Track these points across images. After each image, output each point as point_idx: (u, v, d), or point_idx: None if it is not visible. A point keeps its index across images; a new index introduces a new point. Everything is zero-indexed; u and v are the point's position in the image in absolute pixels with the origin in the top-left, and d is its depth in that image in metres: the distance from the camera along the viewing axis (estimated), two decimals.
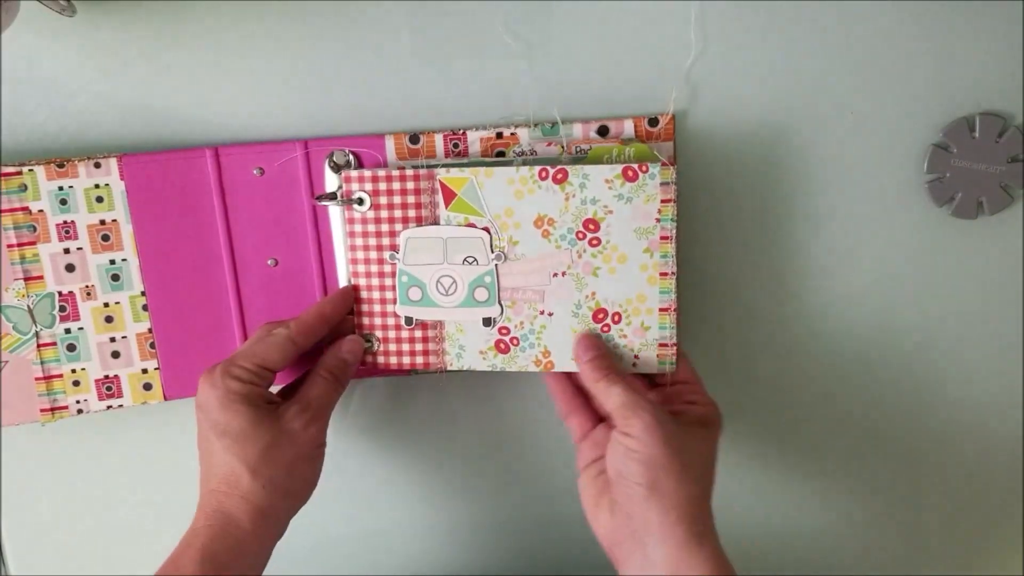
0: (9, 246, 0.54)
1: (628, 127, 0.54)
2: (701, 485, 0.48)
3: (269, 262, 0.56)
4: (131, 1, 0.53)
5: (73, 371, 0.56)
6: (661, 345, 0.53)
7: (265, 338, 0.51)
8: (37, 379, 0.56)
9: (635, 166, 0.50)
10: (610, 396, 0.49)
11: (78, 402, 0.56)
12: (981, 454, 0.62)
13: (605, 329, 0.53)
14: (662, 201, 0.50)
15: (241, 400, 0.49)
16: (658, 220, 0.51)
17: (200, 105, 0.54)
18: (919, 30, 0.54)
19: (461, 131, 0.54)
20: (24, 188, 0.53)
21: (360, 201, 0.53)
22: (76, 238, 0.54)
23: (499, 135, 0.54)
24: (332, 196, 0.54)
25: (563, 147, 0.54)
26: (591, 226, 0.52)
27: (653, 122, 0.54)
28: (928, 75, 0.54)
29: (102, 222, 0.54)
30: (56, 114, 0.54)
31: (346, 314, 0.55)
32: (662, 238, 0.51)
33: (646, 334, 0.52)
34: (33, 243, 0.54)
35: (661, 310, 0.52)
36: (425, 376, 0.59)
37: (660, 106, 0.54)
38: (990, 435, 0.61)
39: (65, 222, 0.54)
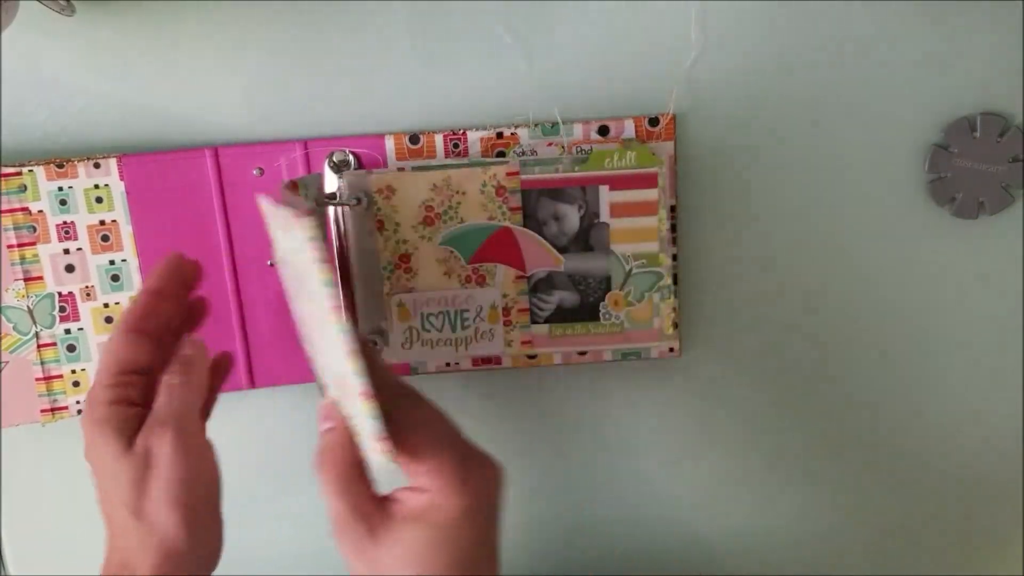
0: (9, 247, 0.54)
1: (628, 127, 0.54)
2: None
3: (269, 262, 0.56)
4: (131, 1, 0.53)
5: (73, 371, 0.56)
6: (376, 438, 0.39)
7: (105, 344, 0.46)
8: (37, 379, 0.56)
9: (292, 212, 0.39)
10: (322, 489, 0.41)
11: (78, 402, 0.56)
12: (981, 454, 0.62)
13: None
14: (316, 260, 0.38)
15: (99, 428, 0.44)
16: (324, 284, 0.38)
17: (200, 105, 0.54)
18: (919, 30, 0.54)
19: (461, 131, 0.54)
20: (24, 188, 0.53)
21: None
22: (76, 239, 0.54)
23: (499, 135, 0.54)
24: (332, 197, 0.54)
25: (563, 147, 0.54)
26: (300, 278, 0.44)
27: (654, 122, 0.54)
28: (928, 75, 0.54)
29: (102, 222, 0.54)
30: (56, 114, 0.54)
31: (183, 285, 0.48)
32: (332, 308, 0.38)
33: (364, 421, 0.40)
34: (33, 244, 0.54)
35: (360, 394, 0.39)
36: (423, 378, 0.59)
37: (661, 106, 0.54)
38: (990, 435, 0.61)
39: (65, 222, 0.54)
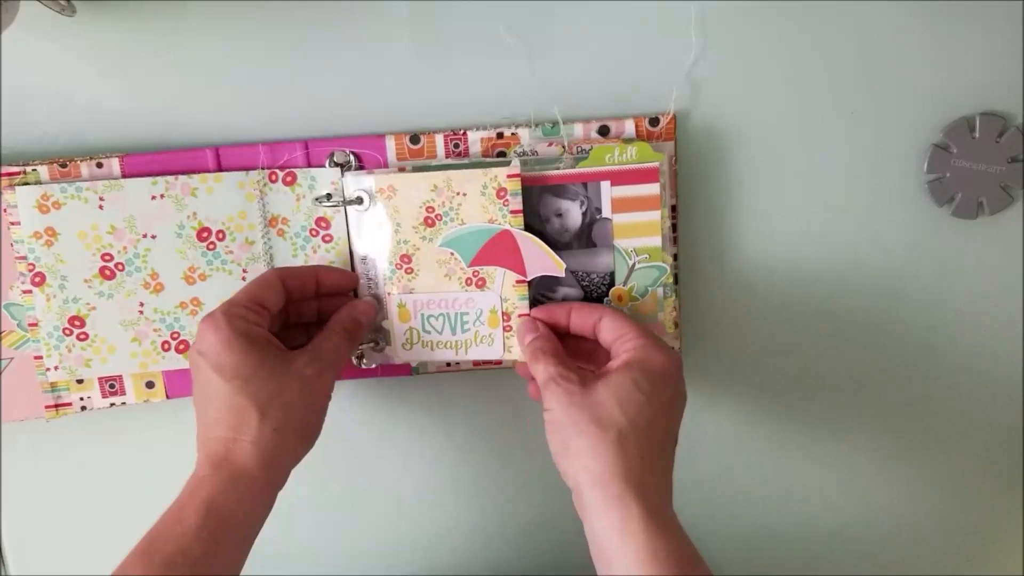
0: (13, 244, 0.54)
1: (629, 127, 0.54)
2: (624, 426, 0.45)
3: None
4: (131, 1, 0.53)
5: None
6: None
7: (256, 279, 0.51)
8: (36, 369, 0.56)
9: None
10: (537, 375, 0.50)
11: (82, 399, 0.56)
12: (981, 454, 0.62)
13: None
14: None
15: (249, 340, 0.47)
16: None
17: (200, 105, 0.54)
18: (919, 30, 0.53)
19: (462, 131, 0.54)
20: None
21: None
22: None
23: (500, 135, 0.54)
24: (329, 196, 0.54)
25: (564, 147, 0.54)
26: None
27: (654, 122, 0.54)
28: (928, 75, 0.54)
29: None
30: (56, 114, 0.54)
31: (343, 291, 0.55)
32: None
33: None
34: None
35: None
36: (424, 378, 0.59)
37: (661, 105, 0.54)
38: (990, 435, 0.62)
39: None
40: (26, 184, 0.53)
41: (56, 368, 0.55)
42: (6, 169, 0.53)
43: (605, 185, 0.53)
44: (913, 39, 0.54)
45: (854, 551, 0.64)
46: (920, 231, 0.57)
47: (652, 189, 0.53)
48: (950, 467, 0.62)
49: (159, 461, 0.60)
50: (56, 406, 0.56)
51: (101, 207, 0.53)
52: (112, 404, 0.57)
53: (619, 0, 0.53)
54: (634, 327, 0.50)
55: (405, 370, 0.58)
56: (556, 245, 0.54)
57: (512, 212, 0.53)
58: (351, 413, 0.60)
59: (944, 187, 0.56)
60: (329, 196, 0.54)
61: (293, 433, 0.48)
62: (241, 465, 0.47)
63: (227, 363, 0.47)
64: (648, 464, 0.46)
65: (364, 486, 0.62)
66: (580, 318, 0.53)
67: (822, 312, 0.59)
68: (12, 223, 0.53)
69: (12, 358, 0.56)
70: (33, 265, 0.54)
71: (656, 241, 0.54)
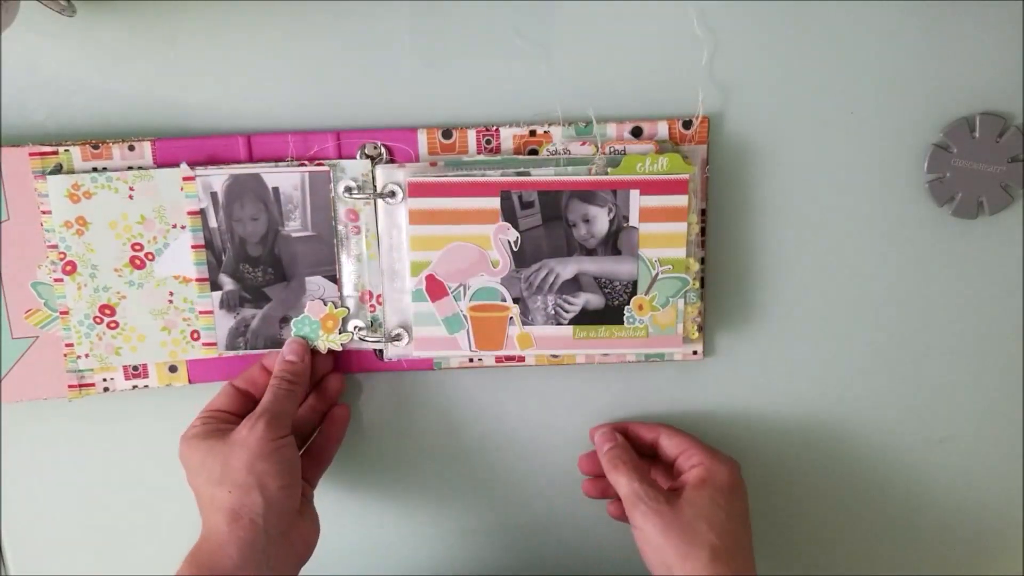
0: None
1: (662, 128, 0.53)
2: (716, 544, 0.50)
3: None
4: (131, 1, 0.52)
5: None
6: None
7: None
8: (66, 356, 0.56)
9: None
10: (619, 486, 0.54)
11: (105, 380, 0.57)
12: (980, 456, 0.62)
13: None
14: None
15: (200, 438, 0.52)
16: None
17: (200, 104, 0.54)
18: (919, 30, 0.53)
19: (494, 127, 0.54)
20: (60, 168, 0.53)
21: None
22: None
23: (532, 132, 0.54)
24: (359, 188, 0.54)
25: (597, 147, 0.53)
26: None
27: (687, 124, 0.53)
28: (928, 75, 0.54)
29: None
30: (56, 114, 0.54)
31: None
32: None
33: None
34: None
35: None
36: (445, 373, 0.59)
37: (675, 109, 0.54)
38: (989, 436, 0.61)
39: None
40: (59, 168, 0.53)
41: (87, 356, 0.56)
42: (39, 148, 0.53)
43: (634, 194, 0.53)
44: (913, 39, 0.53)
45: (853, 553, 0.64)
46: (920, 231, 0.57)
47: (680, 200, 0.53)
48: (949, 468, 0.62)
49: (159, 463, 0.60)
50: (79, 386, 0.57)
51: (131, 197, 0.54)
52: (135, 387, 0.57)
53: (646, 1, 0.52)
54: (693, 442, 0.56)
55: (427, 364, 0.58)
56: (582, 250, 0.54)
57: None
58: (368, 406, 0.60)
59: (944, 187, 0.55)
60: (359, 188, 0.54)
61: (251, 489, 0.51)
62: (212, 525, 0.51)
63: (187, 461, 0.53)
64: (740, 566, 0.51)
65: (374, 481, 0.62)
66: (637, 435, 0.58)
67: (821, 312, 0.58)
68: (43, 211, 0.54)
69: (37, 336, 0.56)
70: (64, 254, 0.54)
71: (680, 252, 0.54)
